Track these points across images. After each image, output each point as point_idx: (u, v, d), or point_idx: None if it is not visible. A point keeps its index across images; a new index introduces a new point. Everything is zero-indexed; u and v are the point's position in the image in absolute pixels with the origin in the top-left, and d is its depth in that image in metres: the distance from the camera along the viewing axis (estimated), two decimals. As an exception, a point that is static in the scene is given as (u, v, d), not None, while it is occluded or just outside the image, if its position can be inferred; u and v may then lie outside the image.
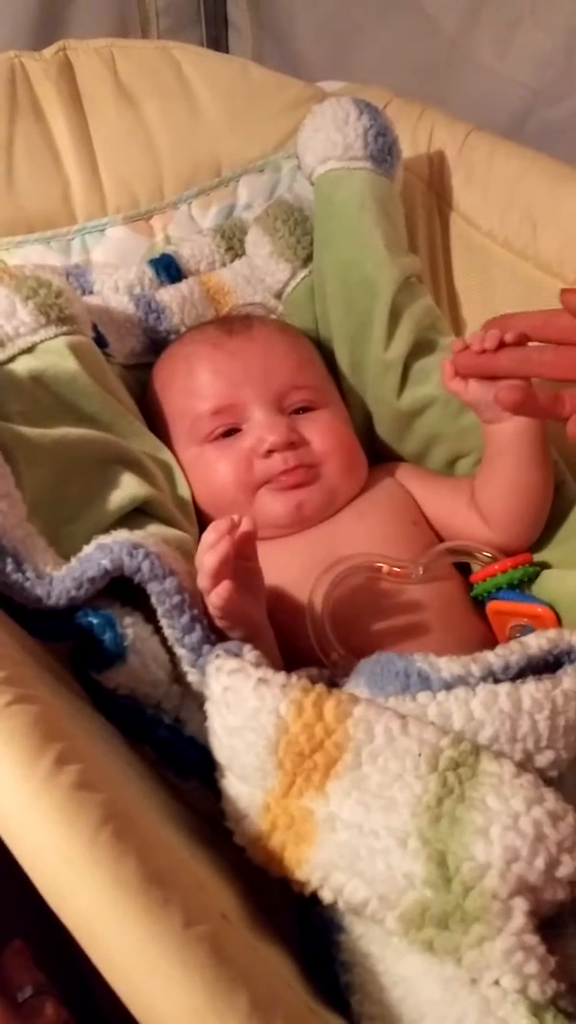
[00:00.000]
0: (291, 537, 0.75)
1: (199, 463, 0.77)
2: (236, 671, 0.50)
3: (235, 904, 0.46)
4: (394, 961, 0.44)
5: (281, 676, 0.50)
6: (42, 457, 0.62)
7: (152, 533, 0.63)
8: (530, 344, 0.65)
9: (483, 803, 0.45)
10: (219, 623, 0.59)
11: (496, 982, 0.41)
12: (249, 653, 0.53)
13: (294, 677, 0.50)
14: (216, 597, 0.57)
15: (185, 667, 0.56)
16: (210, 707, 0.51)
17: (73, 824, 0.39)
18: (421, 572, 0.70)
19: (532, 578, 0.75)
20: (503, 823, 0.44)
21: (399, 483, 0.81)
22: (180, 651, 0.56)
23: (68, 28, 1.25)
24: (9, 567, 0.54)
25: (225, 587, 0.57)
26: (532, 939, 0.42)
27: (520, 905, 0.42)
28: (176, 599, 0.56)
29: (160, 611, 0.57)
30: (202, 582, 0.58)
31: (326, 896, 0.46)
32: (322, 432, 0.77)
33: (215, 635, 0.58)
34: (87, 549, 0.58)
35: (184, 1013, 0.35)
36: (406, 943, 0.44)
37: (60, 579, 0.55)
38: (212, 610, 0.58)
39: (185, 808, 0.54)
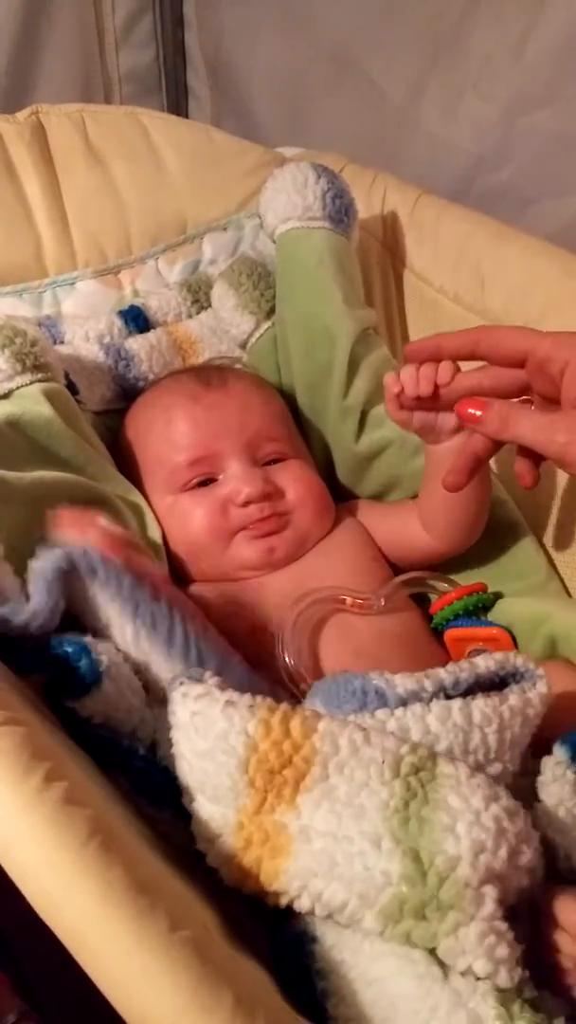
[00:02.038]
0: (262, 577, 0.78)
1: (175, 510, 0.79)
2: (203, 695, 0.52)
3: (212, 923, 0.48)
4: (367, 965, 0.46)
5: (247, 698, 0.52)
6: (18, 498, 0.64)
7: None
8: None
9: (446, 803, 0.47)
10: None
11: (469, 968, 0.43)
12: (211, 679, 0.55)
13: (259, 698, 0.52)
14: None
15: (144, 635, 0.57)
16: (177, 733, 0.52)
17: (62, 836, 0.41)
18: (382, 603, 0.74)
19: (487, 606, 0.79)
20: (467, 819, 0.47)
21: (358, 522, 0.85)
22: (149, 647, 0.57)
23: (35, 93, 1.30)
24: None
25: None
26: (502, 925, 0.44)
27: (490, 892, 0.45)
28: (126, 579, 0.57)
29: (117, 609, 0.57)
30: None
31: (304, 904, 0.47)
32: (294, 481, 0.81)
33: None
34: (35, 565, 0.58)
35: (171, 1012, 0.37)
36: (379, 947, 0.45)
37: (33, 603, 0.56)
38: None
39: (157, 838, 0.56)
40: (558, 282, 0.83)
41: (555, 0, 1.06)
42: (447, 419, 0.72)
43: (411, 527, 0.81)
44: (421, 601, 0.81)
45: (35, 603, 0.56)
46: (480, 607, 0.78)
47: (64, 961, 0.57)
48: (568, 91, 1.09)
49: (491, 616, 0.78)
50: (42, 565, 0.57)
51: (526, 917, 0.48)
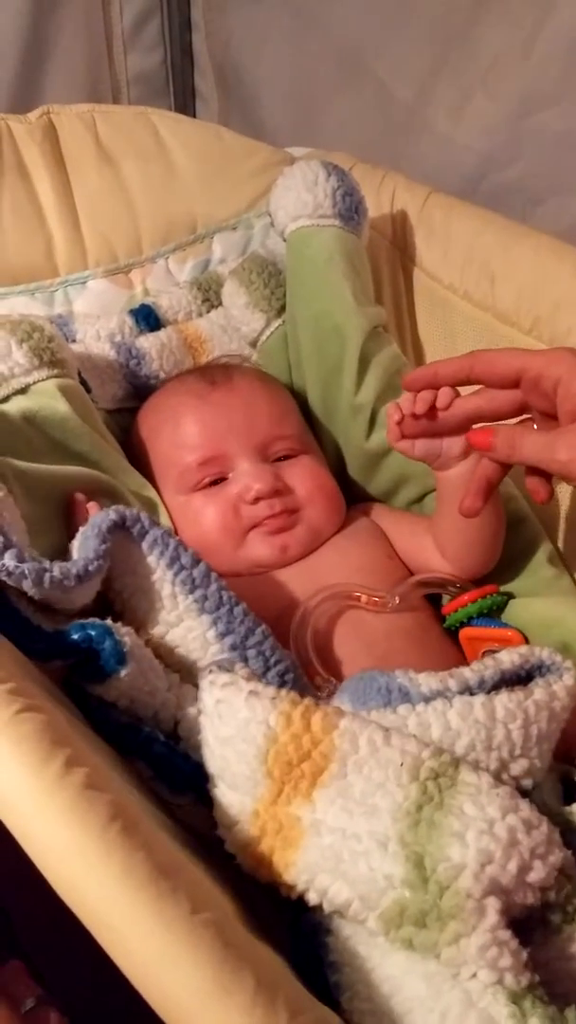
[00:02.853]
0: (275, 572, 0.78)
1: (187, 509, 0.80)
2: (228, 684, 0.53)
3: (230, 909, 0.48)
4: (380, 960, 0.46)
5: (271, 689, 0.52)
6: (37, 489, 0.65)
7: None
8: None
9: (460, 810, 0.47)
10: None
11: (474, 975, 0.43)
12: (241, 669, 0.56)
13: (283, 691, 0.53)
14: None
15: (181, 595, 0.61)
16: (203, 719, 0.53)
17: (84, 820, 0.41)
18: (397, 601, 0.74)
19: (501, 607, 0.79)
20: (479, 828, 0.46)
21: (373, 522, 0.85)
22: (184, 599, 0.62)
23: (44, 96, 1.31)
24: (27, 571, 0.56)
25: None
26: (505, 934, 0.43)
27: (493, 904, 0.44)
28: (172, 542, 0.62)
29: (165, 561, 0.62)
30: None
31: (312, 898, 0.47)
32: (304, 478, 0.81)
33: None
34: (79, 536, 0.62)
35: (193, 992, 0.37)
36: (389, 943, 0.45)
37: (74, 561, 0.59)
38: None
39: (176, 825, 0.56)
40: (568, 280, 0.83)
41: (563, 0, 1.06)
42: (452, 444, 0.72)
43: (427, 547, 0.80)
44: (434, 601, 0.81)
45: (90, 548, 0.59)
46: (494, 609, 0.78)
47: (73, 953, 0.58)
48: (576, 90, 1.09)
49: (504, 618, 0.78)
50: (96, 519, 0.60)
51: (540, 927, 0.47)
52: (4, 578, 0.55)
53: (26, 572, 0.55)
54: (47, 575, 0.56)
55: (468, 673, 0.56)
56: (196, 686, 0.59)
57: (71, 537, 0.64)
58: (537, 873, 0.46)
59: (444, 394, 0.69)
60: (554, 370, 0.61)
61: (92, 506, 0.70)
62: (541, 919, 0.48)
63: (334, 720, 0.51)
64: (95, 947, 0.40)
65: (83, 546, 0.60)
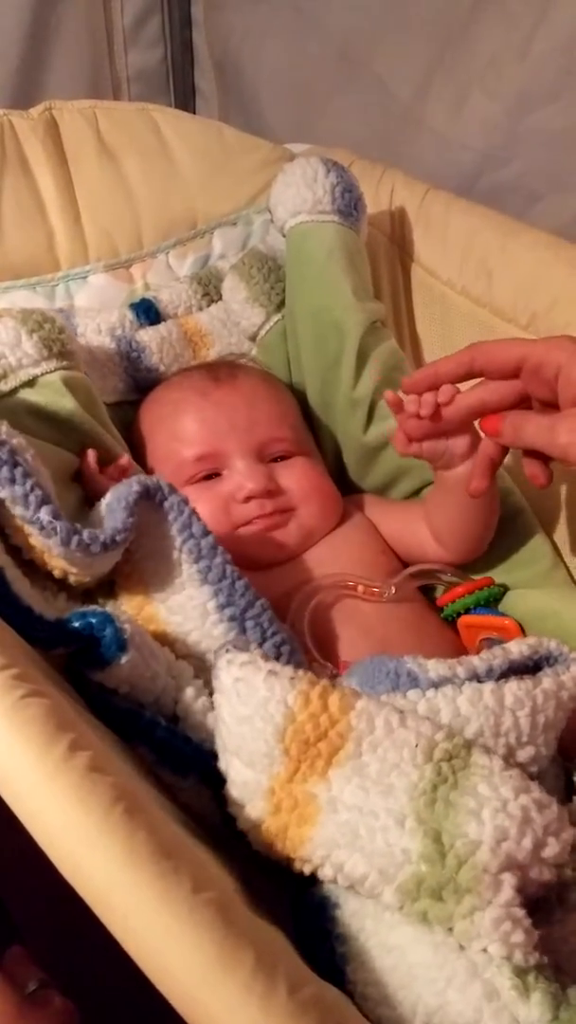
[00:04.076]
0: (270, 568, 0.78)
1: None
2: (247, 663, 0.53)
3: (232, 889, 0.49)
4: (387, 933, 0.47)
5: (289, 669, 0.53)
6: (47, 463, 0.65)
7: None
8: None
9: (475, 790, 0.48)
10: None
11: (484, 950, 0.44)
12: (256, 649, 0.57)
13: (300, 671, 0.54)
14: None
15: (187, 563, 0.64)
16: (219, 697, 0.54)
17: (88, 802, 0.42)
18: (393, 591, 0.75)
19: (497, 598, 0.80)
20: (494, 806, 0.47)
21: (365, 516, 0.86)
22: (189, 568, 0.64)
23: (45, 93, 1.31)
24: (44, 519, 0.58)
25: None
26: (519, 912, 0.45)
27: (509, 880, 0.45)
28: (187, 511, 0.65)
29: (177, 526, 0.64)
30: None
31: (327, 873, 0.48)
32: (299, 478, 0.81)
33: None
34: (103, 503, 0.65)
35: (195, 971, 0.38)
36: (399, 916, 0.47)
37: (105, 527, 0.61)
38: None
39: (179, 808, 0.57)
40: (566, 275, 0.84)
41: (560, 0, 1.07)
42: (457, 443, 0.73)
43: (421, 533, 0.81)
44: (429, 593, 0.82)
45: (118, 520, 0.61)
46: (491, 601, 0.79)
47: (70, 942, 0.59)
48: (573, 88, 1.10)
49: (500, 609, 0.79)
50: (121, 491, 0.63)
51: (558, 906, 0.48)
52: (36, 531, 0.57)
53: (57, 528, 0.57)
54: (75, 537, 0.58)
55: (477, 661, 0.57)
56: (191, 663, 0.60)
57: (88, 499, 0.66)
58: (552, 849, 0.48)
59: (445, 391, 0.69)
60: (554, 357, 0.62)
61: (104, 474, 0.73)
62: (559, 898, 0.50)
63: (351, 700, 0.52)
64: (91, 937, 0.41)
65: (110, 516, 0.62)
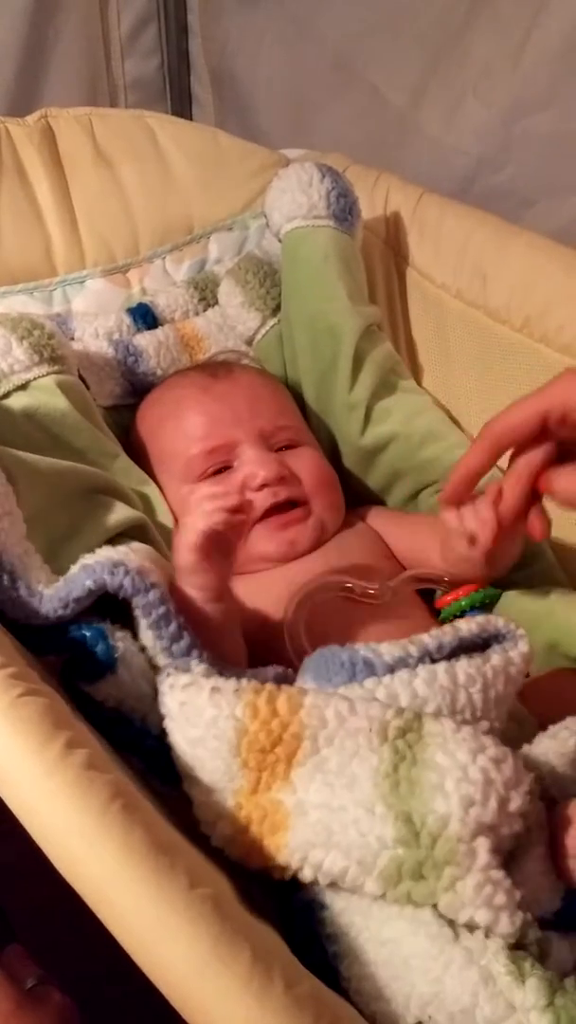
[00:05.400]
0: (275, 568, 0.78)
1: (192, 499, 0.79)
2: (189, 685, 0.53)
3: (227, 887, 0.49)
4: (378, 927, 0.47)
5: (232, 682, 0.53)
6: (39, 480, 0.65)
7: (136, 549, 0.66)
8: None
9: (433, 761, 0.49)
10: (188, 572, 0.61)
11: (471, 920, 0.45)
12: (198, 666, 0.56)
13: (243, 681, 0.53)
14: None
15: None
16: (169, 723, 0.54)
17: (85, 799, 0.42)
18: (391, 594, 0.75)
19: (493, 600, 0.80)
20: (455, 776, 0.48)
21: (368, 526, 0.86)
22: (166, 661, 0.58)
23: (43, 101, 1.32)
24: (5, 582, 0.57)
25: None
26: (498, 874, 0.46)
27: (483, 844, 0.46)
28: (161, 609, 0.58)
29: (146, 623, 0.58)
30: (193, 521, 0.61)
31: (306, 875, 0.48)
32: (309, 467, 0.82)
33: (201, 645, 0.60)
34: (73, 569, 0.60)
35: (191, 966, 0.38)
36: (388, 908, 0.47)
37: (49, 598, 0.58)
38: (189, 541, 0.61)
39: (170, 814, 0.57)
40: (559, 278, 0.85)
41: (552, 7, 1.08)
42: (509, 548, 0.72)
43: (429, 548, 0.80)
44: (427, 595, 0.82)
45: (48, 604, 0.58)
46: (487, 603, 0.79)
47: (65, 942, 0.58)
48: (565, 95, 1.11)
49: (496, 611, 0.79)
50: (77, 578, 0.59)
51: (527, 856, 0.49)
52: None
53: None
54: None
55: (427, 639, 0.58)
56: None
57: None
58: (515, 802, 0.48)
59: (489, 509, 0.67)
60: (574, 399, 0.61)
61: None
62: (528, 840, 0.50)
63: (299, 699, 0.52)
64: (86, 939, 0.41)
65: (65, 585, 0.59)
